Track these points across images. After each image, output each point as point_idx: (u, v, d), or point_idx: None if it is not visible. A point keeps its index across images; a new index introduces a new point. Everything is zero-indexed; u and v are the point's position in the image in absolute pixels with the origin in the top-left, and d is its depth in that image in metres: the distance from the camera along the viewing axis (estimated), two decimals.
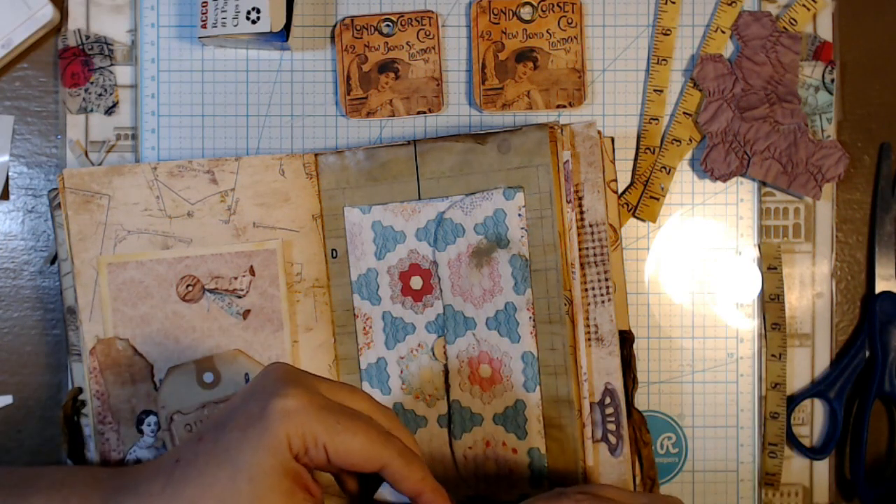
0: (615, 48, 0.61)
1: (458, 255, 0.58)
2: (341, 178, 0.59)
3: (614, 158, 0.60)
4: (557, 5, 0.60)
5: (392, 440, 0.46)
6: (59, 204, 0.58)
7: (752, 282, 0.61)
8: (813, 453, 0.61)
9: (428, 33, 0.61)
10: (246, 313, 0.58)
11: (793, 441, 0.61)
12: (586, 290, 0.58)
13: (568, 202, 0.57)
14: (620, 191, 0.61)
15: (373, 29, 0.60)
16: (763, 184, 0.61)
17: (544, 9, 0.60)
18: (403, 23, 0.61)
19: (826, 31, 0.61)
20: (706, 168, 0.60)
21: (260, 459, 0.43)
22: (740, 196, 0.61)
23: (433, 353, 0.58)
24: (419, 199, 0.58)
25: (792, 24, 0.61)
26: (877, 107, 0.62)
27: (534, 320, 0.57)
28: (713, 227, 0.61)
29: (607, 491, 0.50)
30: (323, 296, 0.59)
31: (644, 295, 0.61)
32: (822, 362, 0.62)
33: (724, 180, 0.60)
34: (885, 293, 0.61)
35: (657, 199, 0.61)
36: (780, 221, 0.62)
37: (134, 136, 0.61)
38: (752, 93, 0.60)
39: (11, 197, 0.62)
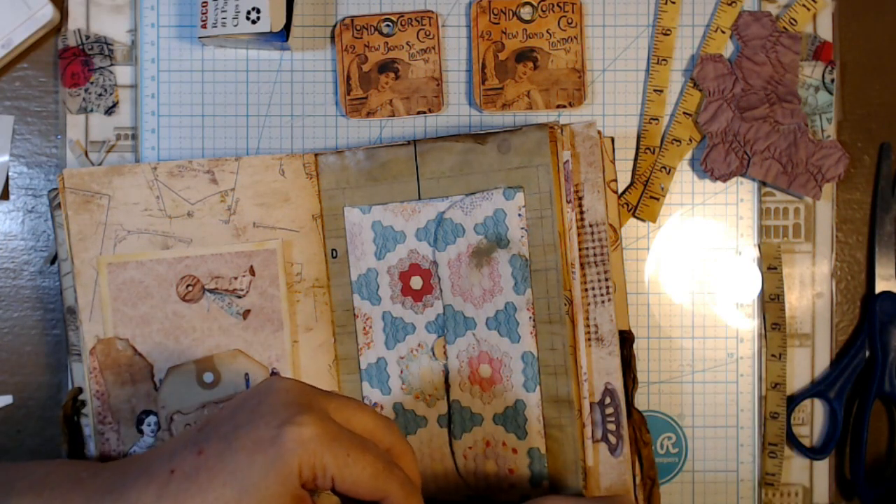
0: (615, 48, 0.61)
1: (458, 255, 0.58)
2: (341, 178, 0.59)
3: (614, 158, 0.60)
4: (557, 5, 0.60)
5: (395, 472, 0.47)
6: (59, 204, 0.58)
7: (752, 282, 0.61)
8: (813, 453, 0.61)
9: (428, 33, 0.61)
10: (246, 313, 0.58)
11: (793, 441, 0.61)
12: (586, 290, 0.58)
13: (568, 202, 0.57)
14: (620, 191, 0.61)
15: (373, 29, 0.60)
16: (763, 184, 0.61)
17: (544, 9, 0.60)
18: (403, 23, 0.61)
19: (826, 31, 0.61)
20: (706, 168, 0.60)
21: (269, 485, 0.43)
22: (740, 196, 0.61)
23: (433, 353, 0.58)
24: (419, 199, 0.58)
25: (792, 24, 0.61)
26: (877, 107, 0.62)
27: (534, 320, 0.57)
28: (713, 227, 0.61)
29: (550, 501, 0.52)
30: (323, 296, 0.59)
31: (644, 295, 0.61)
32: (822, 362, 0.62)
33: (724, 180, 0.60)
34: (885, 293, 0.61)
35: (657, 199, 0.61)
36: (780, 221, 0.62)
37: (134, 136, 0.61)
38: (752, 93, 0.60)
39: (11, 197, 0.62)
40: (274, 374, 0.58)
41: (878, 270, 0.62)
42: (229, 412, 0.47)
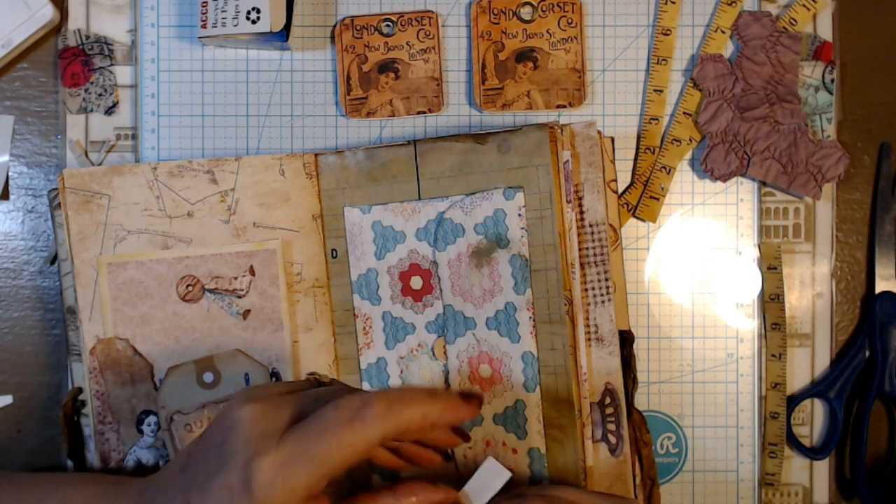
0: (615, 48, 0.61)
1: (458, 255, 0.58)
2: (341, 178, 0.59)
3: (614, 158, 0.60)
4: (557, 5, 0.60)
5: (368, 416, 0.43)
6: (59, 204, 0.58)
7: (752, 282, 0.61)
8: (813, 453, 0.61)
9: (428, 33, 0.61)
10: (246, 313, 0.58)
11: (793, 441, 0.61)
12: (586, 290, 0.58)
13: (568, 202, 0.57)
14: (620, 191, 0.61)
15: (373, 29, 0.60)
16: (763, 184, 0.61)
17: (544, 9, 0.60)
18: (403, 23, 0.61)
19: (826, 31, 0.61)
20: (706, 168, 0.60)
21: None
22: (740, 196, 0.61)
23: (433, 353, 0.58)
24: (419, 199, 0.58)
25: (792, 24, 0.61)
26: (877, 107, 0.62)
27: (534, 320, 0.57)
28: (713, 227, 0.61)
29: (566, 492, 0.51)
30: (323, 296, 0.59)
31: (644, 295, 0.61)
32: (822, 362, 0.62)
33: (724, 180, 0.60)
34: (885, 293, 0.61)
35: (657, 199, 0.61)
36: (780, 221, 0.62)
37: (134, 136, 0.61)
38: (752, 93, 0.60)
39: (11, 197, 0.62)
40: (274, 373, 0.58)
41: (878, 270, 0.62)
42: (203, 450, 0.46)
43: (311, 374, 0.51)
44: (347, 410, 0.44)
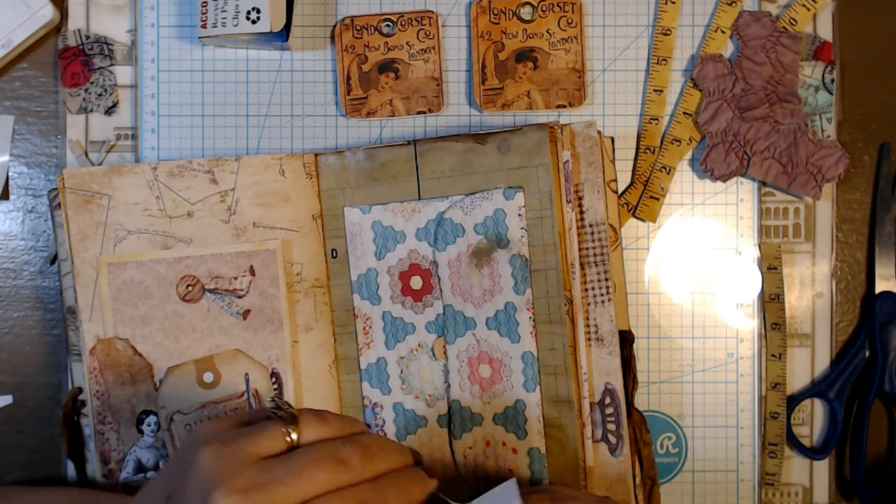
0: (615, 48, 0.61)
1: (458, 255, 0.58)
2: (341, 178, 0.59)
3: (614, 158, 0.60)
4: (557, 5, 0.61)
5: (324, 459, 0.44)
6: (59, 204, 0.58)
7: (752, 282, 0.61)
8: (813, 453, 0.61)
9: (428, 33, 0.61)
10: (246, 313, 0.58)
11: (793, 441, 0.61)
12: (586, 290, 0.58)
13: (568, 202, 0.57)
14: (620, 191, 0.61)
15: (373, 29, 0.61)
16: (763, 184, 0.61)
17: (544, 9, 0.60)
18: (403, 23, 0.61)
19: (826, 31, 0.61)
20: (706, 168, 0.60)
21: None
22: (740, 196, 0.61)
23: (433, 353, 0.58)
24: (419, 199, 0.58)
25: (792, 24, 0.61)
26: (877, 107, 0.62)
27: (534, 320, 0.57)
28: (713, 227, 0.61)
29: (566, 491, 0.52)
30: (323, 296, 0.59)
31: (644, 295, 0.61)
32: (822, 362, 0.62)
33: (724, 180, 0.60)
34: (885, 293, 0.61)
35: (657, 199, 0.61)
36: (780, 221, 0.62)
37: (134, 136, 0.61)
38: (752, 93, 0.60)
39: (11, 197, 0.62)
40: (274, 373, 0.58)
41: (878, 270, 0.62)
42: (161, 488, 0.45)
43: (273, 399, 0.50)
44: (309, 457, 0.44)
